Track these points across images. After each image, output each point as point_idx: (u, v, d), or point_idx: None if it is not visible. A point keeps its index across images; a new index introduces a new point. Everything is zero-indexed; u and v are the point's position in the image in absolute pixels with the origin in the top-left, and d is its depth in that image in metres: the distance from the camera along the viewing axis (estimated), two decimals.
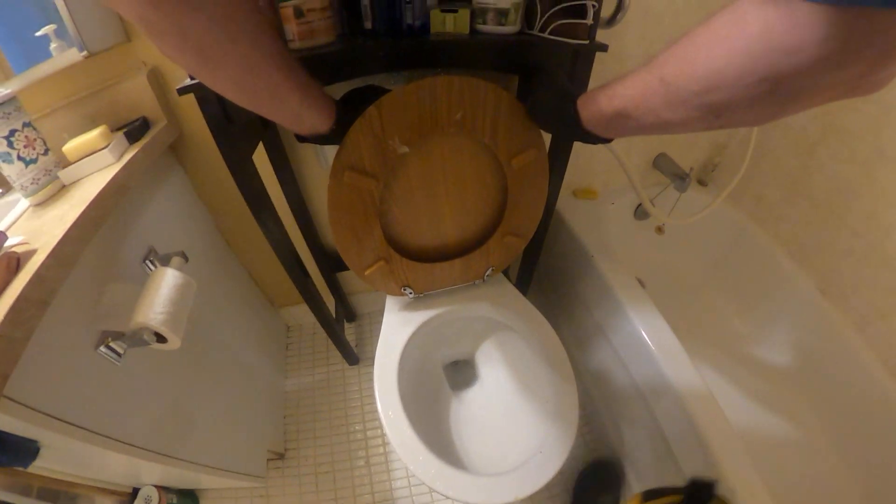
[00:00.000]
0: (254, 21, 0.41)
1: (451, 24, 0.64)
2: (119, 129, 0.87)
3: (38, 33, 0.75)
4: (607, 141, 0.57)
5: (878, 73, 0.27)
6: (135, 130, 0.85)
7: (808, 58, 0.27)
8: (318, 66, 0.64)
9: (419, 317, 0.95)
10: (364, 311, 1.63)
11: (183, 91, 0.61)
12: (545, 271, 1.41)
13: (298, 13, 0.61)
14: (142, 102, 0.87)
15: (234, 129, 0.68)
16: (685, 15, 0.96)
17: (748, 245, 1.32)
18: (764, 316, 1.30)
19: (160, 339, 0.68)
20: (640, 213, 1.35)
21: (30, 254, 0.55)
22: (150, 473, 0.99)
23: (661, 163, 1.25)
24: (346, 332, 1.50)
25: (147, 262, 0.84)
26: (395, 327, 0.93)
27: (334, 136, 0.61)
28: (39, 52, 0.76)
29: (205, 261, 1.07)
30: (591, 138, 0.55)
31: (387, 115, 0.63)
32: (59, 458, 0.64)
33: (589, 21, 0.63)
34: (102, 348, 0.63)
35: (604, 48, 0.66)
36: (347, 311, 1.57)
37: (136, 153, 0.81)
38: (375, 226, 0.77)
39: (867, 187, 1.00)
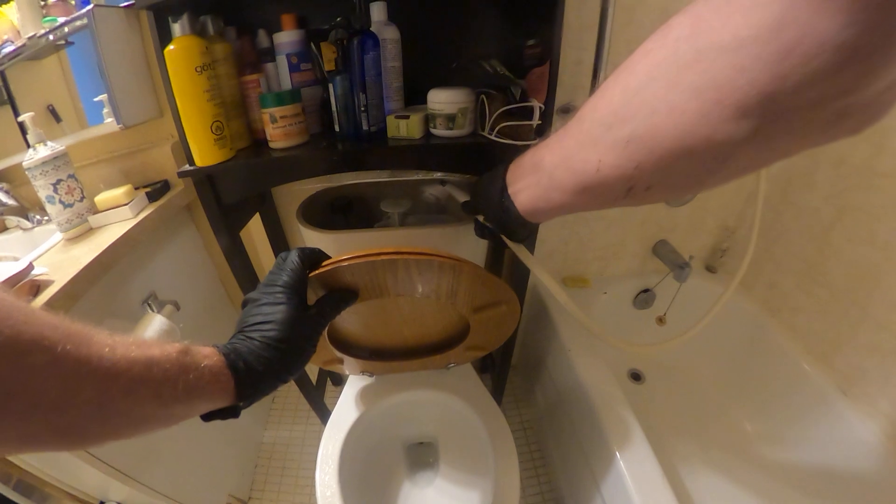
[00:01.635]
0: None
1: (404, 129, 0.69)
2: (145, 186, 1.01)
3: (95, 99, 0.93)
4: (529, 231, 0.51)
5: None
6: (156, 192, 0.99)
7: (812, 52, 0.19)
8: (292, 165, 0.74)
9: (377, 396, 0.92)
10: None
11: (182, 174, 0.74)
12: (527, 354, 1.36)
13: (272, 119, 0.71)
14: (165, 168, 1.02)
15: (224, 209, 0.80)
16: None
17: (760, 338, 1.20)
18: (779, 418, 1.15)
19: None
20: (639, 301, 1.29)
21: (48, 283, 0.67)
22: (117, 491, 1.04)
23: (661, 250, 1.20)
24: (330, 394, 1.51)
25: (147, 304, 0.95)
26: (350, 404, 0.91)
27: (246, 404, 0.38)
28: (97, 114, 0.94)
29: (202, 309, 1.16)
30: (514, 221, 0.47)
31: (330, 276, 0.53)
32: (41, 455, 0.72)
33: (535, 122, 0.65)
34: None
35: None
36: (333, 374, 1.56)
37: (151, 212, 0.94)
38: (325, 342, 0.75)
39: (891, 273, 0.89)
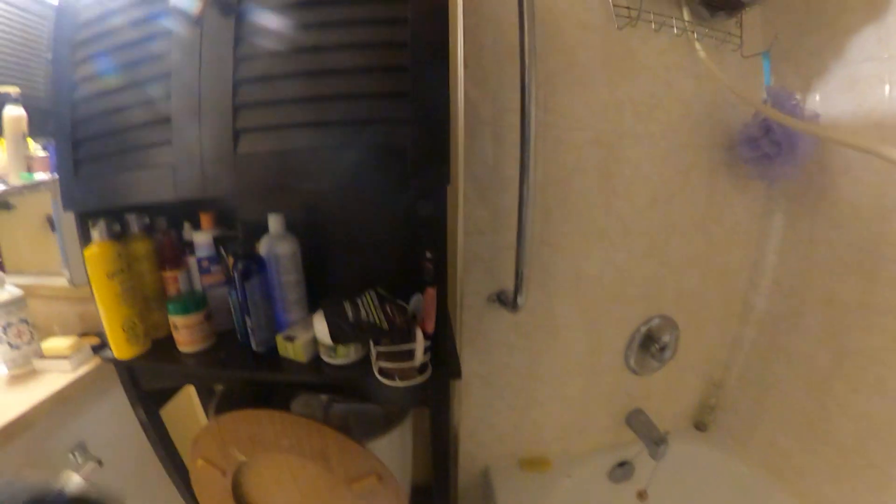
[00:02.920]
0: None
1: (291, 350, 0.67)
2: (98, 334, 1.03)
3: None
4: None
5: None
6: (101, 346, 1.00)
7: None
8: (195, 369, 0.74)
9: None
10: None
11: (104, 359, 0.80)
12: None
13: (175, 327, 0.73)
14: None
15: (143, 392, 0.83)
16: (619, 279, 0.89)
17: None
18: None
19: None
20: (616, 475, 1.12)
21: None
22: None
23: (635, 422, 1.07)
24: None
25: (73, 454, 0.95)
26: None
27: None
28: None
29: (133, 467, 1.10)
30: None
31: (225, 430, 0.70)
32: None
33: (417, 363, 0.61)
34: None
35: (444, 386, 0.63)
36: None
37: (92, 369, 0.95)
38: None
39: None
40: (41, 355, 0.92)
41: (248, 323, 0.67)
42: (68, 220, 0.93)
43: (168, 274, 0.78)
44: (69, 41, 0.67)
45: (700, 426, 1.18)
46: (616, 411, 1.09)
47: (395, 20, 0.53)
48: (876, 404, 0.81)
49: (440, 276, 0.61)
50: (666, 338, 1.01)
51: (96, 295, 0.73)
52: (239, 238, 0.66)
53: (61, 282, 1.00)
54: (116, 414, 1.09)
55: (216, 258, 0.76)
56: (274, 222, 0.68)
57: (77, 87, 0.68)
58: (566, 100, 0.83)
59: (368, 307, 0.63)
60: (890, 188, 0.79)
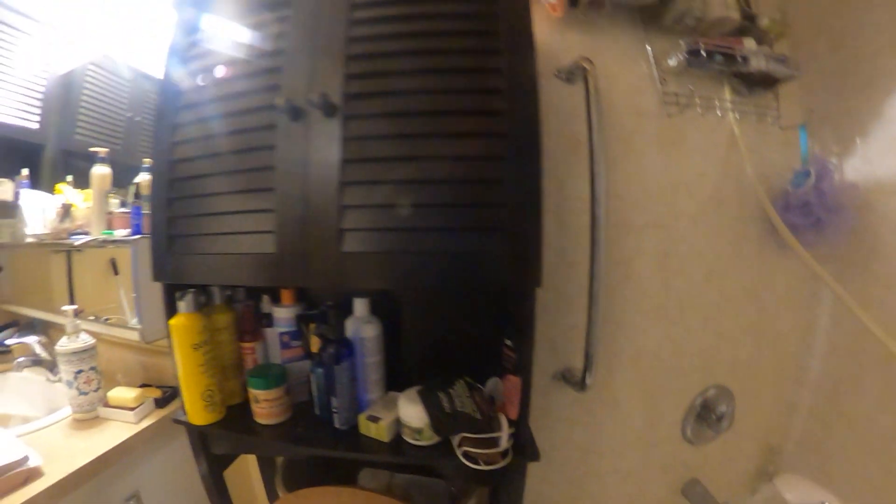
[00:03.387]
0: None
1: (374, 430, 0.69)
2: (160, 387, 1.06)
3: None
4: None
5: None
6: (165, 398, 1.04)
7: None
8: (271, 441, 0.76)
9: None
10: None
11: (176, 421, 0.80)
12: None
13: (256, 399, 0.75)
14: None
15: (211, 456, 0.84)
16: (676, 353, 0.90)
17: None
18: None
19: None
20: None
21: (38, 475, 0.72)
22: None
23: (691, 492, 1.05)
24: None
25: (129, 502, 0.96)
26: None
27: None
28: None
29: None
30: None
31: None
32: None
33: (501, 448, 0.63)
34: None
35: (522, 469, 0.65)
36: None
37: (154, 422, 0.97)
38: None
39: None
40: (106, 403, 0.96)
41: (334, 403, 0.70)
42: (145, 279, 0.97)
43: (246, 345, 0.82)
44: (171, 122, 0.71)
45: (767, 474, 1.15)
46: (672, 481, 1.07)
47: (490, 133, 0.58)
48: None
49: (526, 367, 0.63)
50: (722, 408, 1.01)
51: (180, 364, 0.76)
52: (331, 323, 0.69)
53: (132, 335, 1.04)
54: (171, 467, 1.11)
55: (297, 334, 0.79)
56: (360, 306, 0.72)
57: (176, 166, 0.71)
58: (625, 185, 0.88)
59: (461, 397, 0.65)
60: None
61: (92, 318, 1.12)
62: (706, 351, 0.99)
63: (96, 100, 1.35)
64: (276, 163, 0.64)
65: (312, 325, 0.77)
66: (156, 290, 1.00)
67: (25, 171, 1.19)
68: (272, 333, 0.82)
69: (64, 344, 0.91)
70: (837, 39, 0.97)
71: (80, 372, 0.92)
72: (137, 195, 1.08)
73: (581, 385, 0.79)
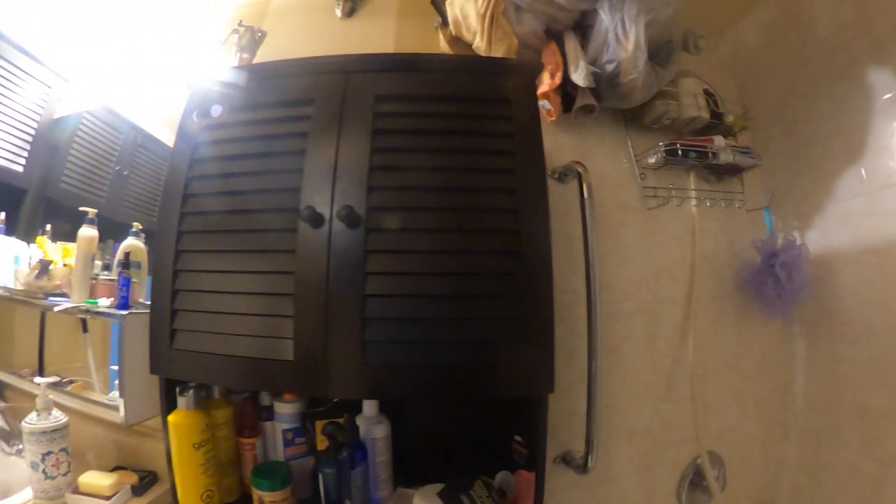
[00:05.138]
0: None
1: None
2: (135, 471, 0.97)
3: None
4: None
5: None
6: (142, 485, 0.94)
7: None
8: None
9: None
10: None
11: None
12: None
13: (260, 501, 0.72)
14: (157, 459, 1.00)
15: None
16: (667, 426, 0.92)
17: None
18: None
19: None
20: None
21: None
22: None
23: None
24: None
25: None
26: None
27: None
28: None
29: None
30: None
31: None
32: None
33: None
34: None
35: None
36: None
37: None
38: None
39: None
40: (76, 490, 0.85)
41: None
42: (131, 357, 0.91)
43: (246, 441, 0.79)
44: (177, 207, 0.70)
45: None
46: None
47: (508, 252, 0.62)
48: None
49: (540, 464, 0.65)
50: (713, 472, 1.05)
51: (177, 464, 0.72)
52: (346, 427, 0.69)
53: (110, 414, 0.94)
54: None
55: (301, 430, 0.77)
56: (370, 407, 0.72)
57: (179, 257, 0.69)
58: (614, 276, 0.95)
59: (482, 498, 0.66)
60: None
61: (55, 377, 1.00)
62: (693, 421, 1.04)
63: (87, 149, 1.25)
64: (296, 270, 0.63)
65: (318, 423, 0.76)
66: (143, 371, 0.93)
67: (2, 216, 1.09)
68: (272, 428, 0.80)
69: (32, 421, 0.80)
70: (790, 126, 1.10)
71: (48, 454, 0.81)
72: (126, 264, 1.01)
73: (583, 468, 0.81)
